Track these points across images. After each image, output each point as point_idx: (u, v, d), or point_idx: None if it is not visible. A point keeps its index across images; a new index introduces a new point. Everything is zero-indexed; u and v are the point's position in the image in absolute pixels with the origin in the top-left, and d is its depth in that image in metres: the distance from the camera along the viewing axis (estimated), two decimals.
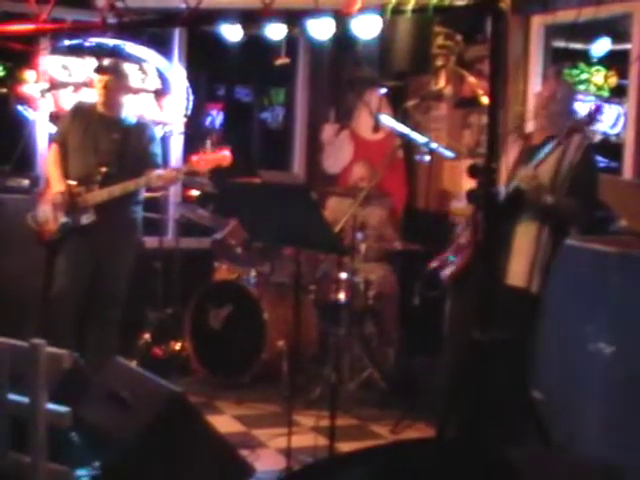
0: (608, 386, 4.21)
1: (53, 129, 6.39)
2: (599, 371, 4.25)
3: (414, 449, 2.80)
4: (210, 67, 8.23)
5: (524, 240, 4.59)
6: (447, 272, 4.90)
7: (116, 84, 5.51)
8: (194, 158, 5.34)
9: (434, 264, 5.01)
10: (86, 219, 5.37)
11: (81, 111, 5.65)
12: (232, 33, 5.37)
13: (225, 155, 5.33)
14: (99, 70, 5.58)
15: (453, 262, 4.85)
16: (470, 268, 4.64)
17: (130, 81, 5.84)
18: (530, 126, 4.87)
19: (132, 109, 5.79)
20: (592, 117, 4.59)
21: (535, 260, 4.57)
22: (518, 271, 4.56)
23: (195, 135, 7.35)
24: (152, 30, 6.85)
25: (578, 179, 4.52)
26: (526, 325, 4.50)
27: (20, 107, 6.89)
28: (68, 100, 6.86)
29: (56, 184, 5.46)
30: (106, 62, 5.79)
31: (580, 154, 4.52)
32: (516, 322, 4.39)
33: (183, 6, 4.71)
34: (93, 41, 6.95)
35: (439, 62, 5.26)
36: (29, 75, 6.88)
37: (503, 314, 4.02)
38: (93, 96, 5.65)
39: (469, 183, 4.85)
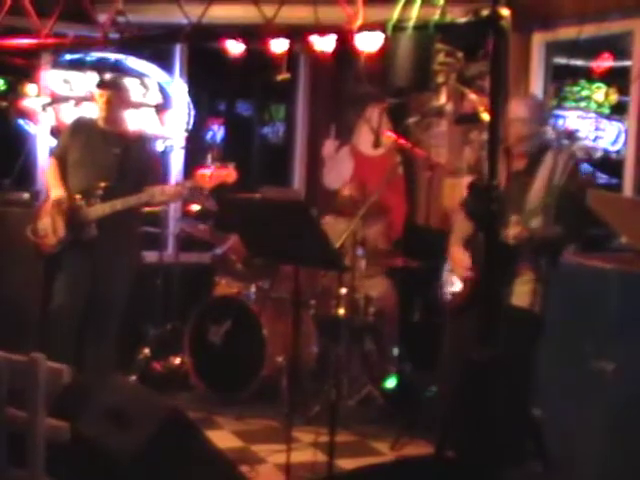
0: (609, 404, 4.20)
1: (54, 143, 6.40)
2: (600, 389, 4.24)
3: (414, 467, 2.79)
4: (211, 82, 8.25)
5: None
6: (449, 297, 4.86)
7: (117, 99, 5.51)
8: (199, 173, 5.32)
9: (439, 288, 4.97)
10: (87, 233, 5.36)
11: (81, 126, 5.65)
12: (234, 48, 5.38)
13: (230, 171, 5.30)
14: (100, 85, 5.58)
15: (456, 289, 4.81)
16: (473, 295, 4.61)
17: (131, 96, 5.85)
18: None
19: (133, 124, 5.78)
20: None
21: (538, 280, 4.55)
22: (522, 292, 4.54)
23: (196, 150, 7.37)
24: (153, 45, 6.87)
25: (565, 204, 4.49)
26: (530, 345, 4.48)
27: (21, 121, 6.91)
28: (69, 114, 6.87)
29: (55, 191, 5.45)
30: (107, 77, 5.80)
31: (566, 176, 4.50)
32: (520, 342, 4.37)
33: (185, 21, 4.73)
34: (94, 56, 6.97)
35: (440, 79, 5.26)
36: (30, 89, 6.90)
37: (507, 334, 4.01)
38: (94, 111, 5.66)
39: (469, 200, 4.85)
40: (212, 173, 5.27)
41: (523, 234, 4.40)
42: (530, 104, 4.69)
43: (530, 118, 4.58)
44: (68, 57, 6.97)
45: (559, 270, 4.44)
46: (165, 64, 7.37)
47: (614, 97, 6.40)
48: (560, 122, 6.29)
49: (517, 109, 4.60)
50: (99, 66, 6.92)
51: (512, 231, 4.38)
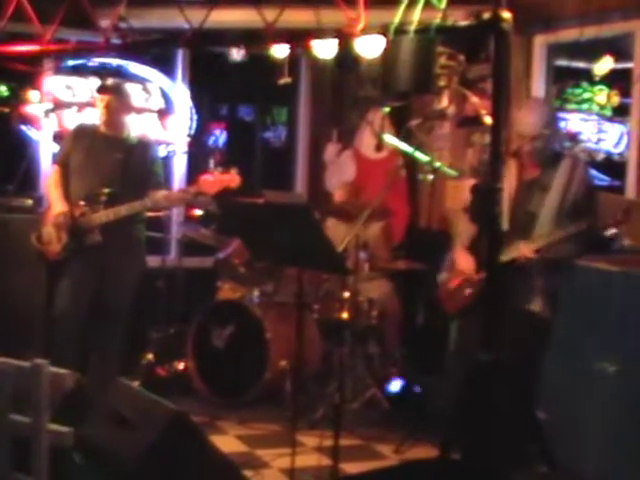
0: (612, 405, 4.20)
1: (56, 149, 6.40)
2: (603, 390, 4.24)
3: (419, 470, 2.79)
4: (213, 86, 8.26)
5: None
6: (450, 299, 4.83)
7: (118, 104, 5.51)
8: (202, 179, 5.31)
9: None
10: (91, 240, 5.36)
11: (83, 132, 5.65)
12: (235, 53, 5.39)
13: (233, 177, 5.30)
14: (101, 90, 5.58)
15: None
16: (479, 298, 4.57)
17: (132, 100, 5.85)
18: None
19: (134, 128, 5.79)
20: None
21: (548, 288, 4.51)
22: (540, 299, 4.48)
23: (198, 154, 7.37)
24: (155, 50, 6.88)
25: (579, 217, 4.39)
26: (539, 348, 4.44)
27: (24, 127, 6.92)
28: (72, 120, 6.88)
29: (57, 205, 5.46)
30: (108, 82, 5.81)
31: (582, 190, 4.41)
32: (530, 346, 4.36)
33: (186, 26, 4.73)
34: (97, 61, 6.98)
35: (442, 82, 5.26)
36: (33, 95, 6.91)
37: (519, 338, 4.01)
38: (96, 116, 5.66)
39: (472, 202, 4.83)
40: (215, 179, 5.27)
41: (530, 258, 4.33)
42: (540, 116, 4.51)
43: (541, 133, 4.44)
44: (70, 63, 6.98)
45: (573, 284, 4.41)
46: (167, 69, 7.39)
47: (616, 99, 6.39)
48: (562, 124, 6.28)
49: (527, 124, 4.46)
50: (101, 72, 6.93)
51: (523, 252, 4.31)
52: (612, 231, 4.18)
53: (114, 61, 7.01)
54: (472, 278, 4.54)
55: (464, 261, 4.64)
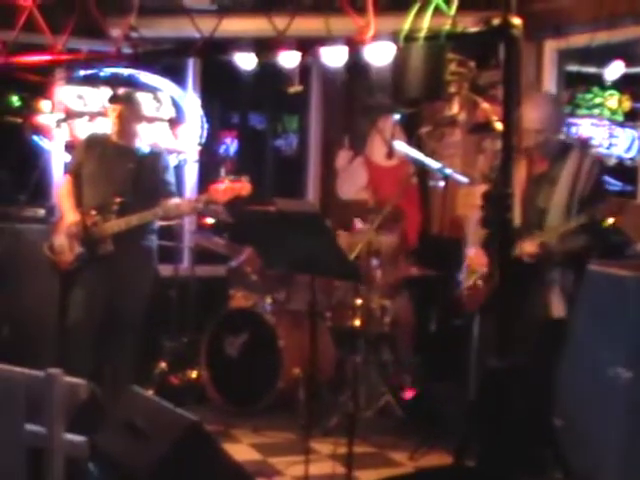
0: (627, 412, 4.18)
1: (68, 159, 6.42)
2: (618, 397, 4.22)
3: (433, 477, 2.78)
4: (224, 95, 8.26)
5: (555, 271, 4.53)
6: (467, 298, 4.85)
7: (130, 113, 5.54)
8: (213, 188, 5.32)
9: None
10: (103, 249, 5.38)
11: (95, 141, 5.67)
12: (246, 61, 5.40)
13: (244, 185, 5.31)
14: (113, 100, 5.60)
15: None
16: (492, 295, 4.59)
17: (144, 110, 5.87)
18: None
19: (146, 138, 5.80)
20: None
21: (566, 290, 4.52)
22: (558, 303, 4.48)
23: (210, 163, 7.39)
24: (166, 59, 6.90)
25: (587, 207, 4.40)
26: (555, 351, 4.44)
27: (36, 137, 6.94)
28: (83, 130, 6.90)
29: (69, 215, 5.47)
30: (120, 92, 5.82)
31: (590, 187, 4.43)
32: (550, 351, 4.35)
33: (197, 35, 4.75)
34: (108, 71, 7.00)
35: (452, 88, 5.26)
36: (45, 105, 6.93)
37: (534, 340, 3.99)
38: (108, 126, 5.68)
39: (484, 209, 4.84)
40: (226, 187, 5.28)
41: (537, 252, 4.35)
42: (543, 111, 4.58)
43: (544, 127, 4.51)
44: (82, 73, 7.01)
45: (585, 282, 4.41)
46: (178, 78, 7.40)
47: (627, 104, 6.37)
48: (574, 130, 6.27)
49: (531, 119, 4.52)
50: (112, 81, 6.95)
51: (526, 249, 4.34)
52: (611, 221, 4.19)
53: (125, 71, 7.02)
54: (485, 273, 4.58)
55: (476, 255, 4.69)
